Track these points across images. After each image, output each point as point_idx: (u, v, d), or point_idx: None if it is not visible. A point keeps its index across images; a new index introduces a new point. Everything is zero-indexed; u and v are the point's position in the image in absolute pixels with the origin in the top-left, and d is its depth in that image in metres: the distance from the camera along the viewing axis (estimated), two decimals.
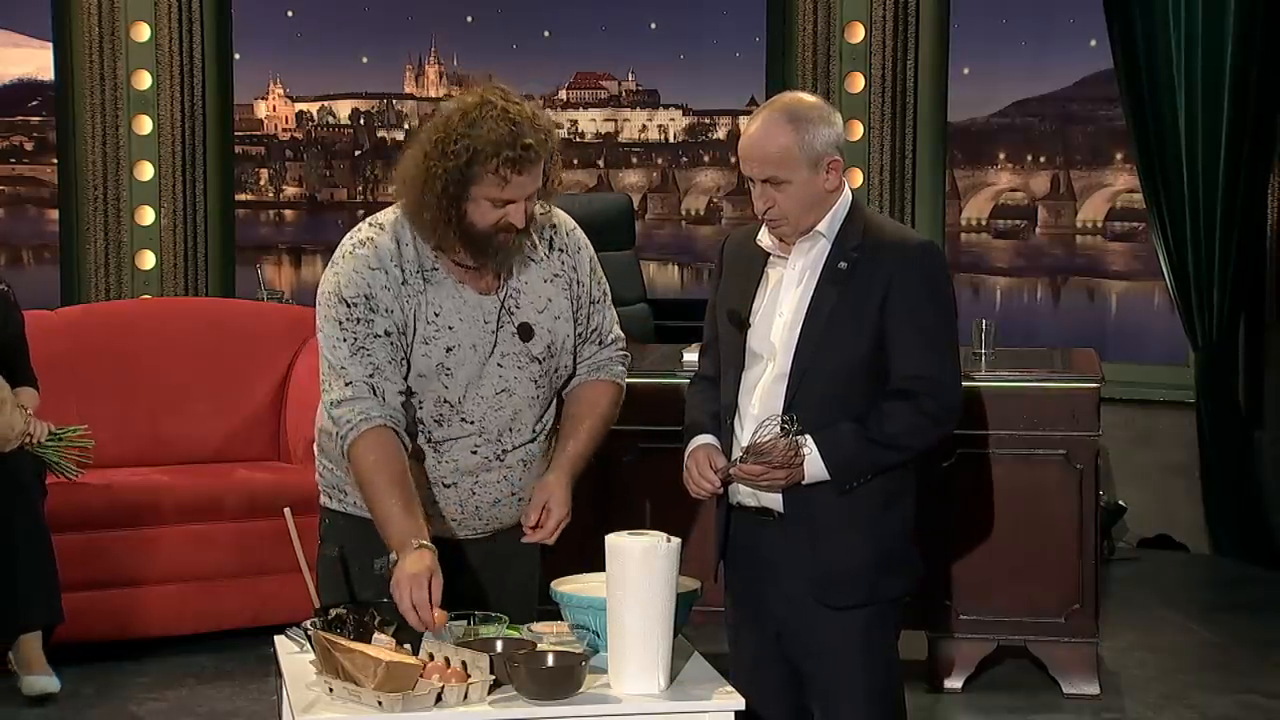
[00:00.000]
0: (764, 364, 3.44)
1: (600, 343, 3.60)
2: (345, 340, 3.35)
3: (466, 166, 3.28)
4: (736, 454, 3.45)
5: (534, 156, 3.30)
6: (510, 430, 3.46)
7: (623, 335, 3.67)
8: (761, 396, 3.44)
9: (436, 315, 3.39)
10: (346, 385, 3.34)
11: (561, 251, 3.53)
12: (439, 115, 3.37)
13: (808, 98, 3.49)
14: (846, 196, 3.47)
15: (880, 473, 3.42)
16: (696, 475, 3.46)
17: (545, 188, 3.39)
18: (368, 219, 3.48)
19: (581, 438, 3.51)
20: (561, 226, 3.55)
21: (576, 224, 3.60)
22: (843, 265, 3.41)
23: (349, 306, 3.35)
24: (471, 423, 3.44)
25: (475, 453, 3.45)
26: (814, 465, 3.38)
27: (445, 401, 3.42)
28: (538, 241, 3.49)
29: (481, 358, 3.42)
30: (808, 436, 3.36)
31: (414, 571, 3.15)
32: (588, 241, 3.60)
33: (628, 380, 3.66)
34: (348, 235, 3.45)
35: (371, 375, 3.34)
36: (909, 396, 3.39)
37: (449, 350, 3.40)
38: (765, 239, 3.48)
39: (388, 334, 3.36)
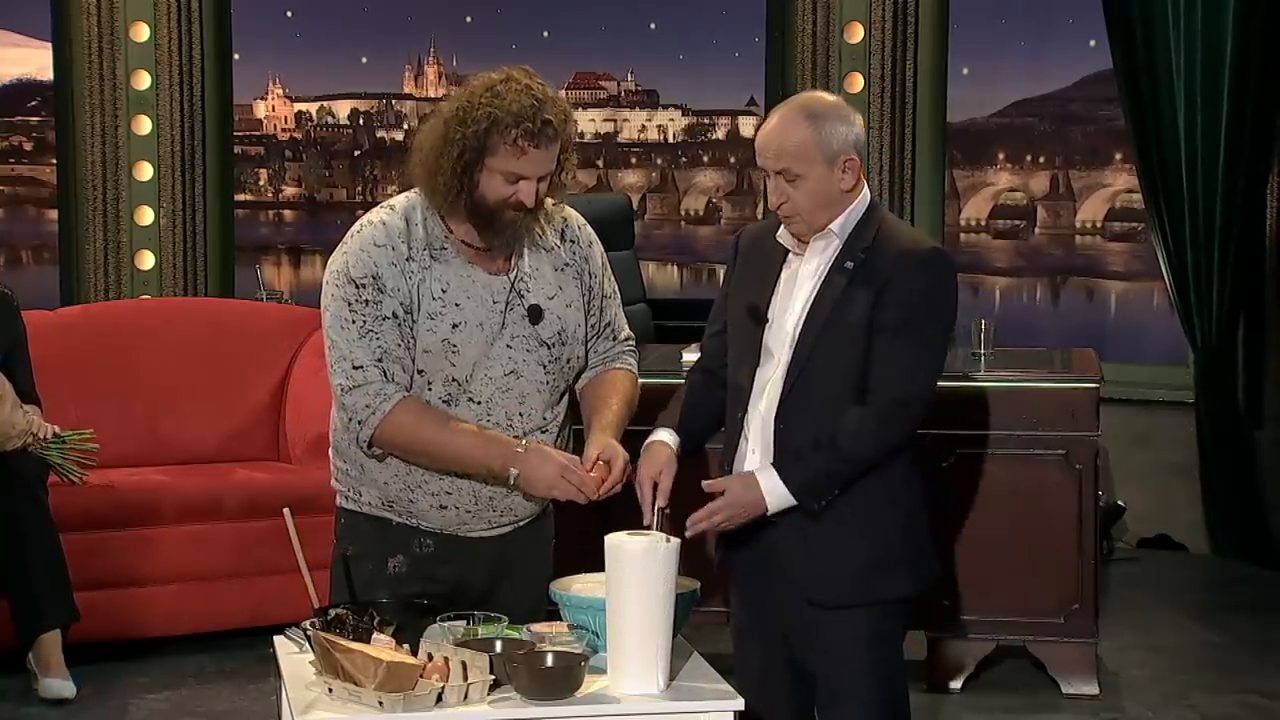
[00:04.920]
0: (775, 360, 3.44)
1: (614, 338, 3.63)
2: (354, 322, 3.37)
3: (485, 135, 3.31)
4: (744, 446, 3.45)
5: (552, 133, 3.33)
6: (520, 415, 3.46)
7: (633, 335, 3.70)
8: (768, 393, 3.44)
9: (443, 292, 3.40)
10: (355, 369, 3.37)
11: (573, 243, 3.56)
12: (462, 89, 3.42)
13: (828, 96, 3.50)
14: (864, 198, 3.47)
15: (846, 486, 3.37)
16: (642, 481, 3.45)
17: (559, 178, 3.42)
18: (383, 203, 3.51)
19: (615, 409, 3.51)
20: (572, 220, 3.59)
21: (586, 221, 3.62)
22: (849, 265, 3.41)
23: (358, 288, 3.37)
24: (479, 403, 3.44)
25: None
26: (774, 493, 3.36)
27: (453, 380, 3.42)
28: (548, 230, 3.52)
29: (489, 336, 3.43)
30: (766, 467, 3.35)
31: (549, 475, 3.30)
32: (598, 239, 3.63)
33: None
34: (361, 218, 3.48)
35: (380, 359, 3.37)
36: (863, 396, 3.36)
37: (454, 327, 3.40)
38: (785, 236, 3.48)
39: (395, 316, 3.38)
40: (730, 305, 3.57)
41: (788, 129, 3.39)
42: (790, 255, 3.49)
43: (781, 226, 3.47)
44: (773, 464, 3.37)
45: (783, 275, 3.48)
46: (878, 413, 3.35)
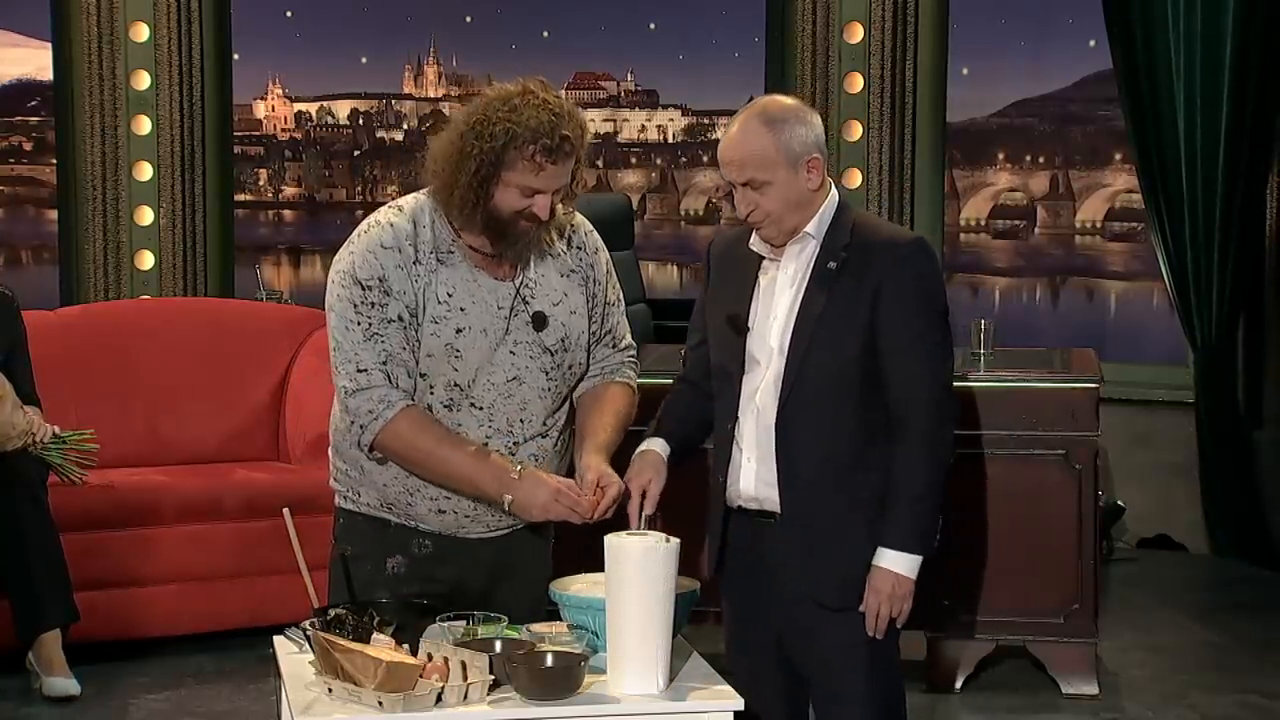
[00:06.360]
0: (762, 368, 3.45)
1: (614, 345, 3.62)
2: (359, 324, 3.37)
3: (502, 150, 3.30)
4: (738, 456, 3.45)
5: (569, 149, 3.33)
6: (521, 421, 3.46)
7: (634, 344, 3.69)
8: (760, 400, 3.44)
9: (449, 296, 3.40)
10: (360, 372, 3.37)
11: (579, 249, 3.56)
12: (478, 100, 3.39)
13: (784, 99, 3.49)
14: (833, 197, 3.47)
15: (941, 511, 3.41)
16: (632, 489, 3.45)
17: (570, 187, 3.41)
18: (391, 202, 3.50)
19: (608, 428, 3.50)
20: (580, 226, 3.59)
21: (593, 227, 3.62)
22: (831, 265, 3.41)
23: (364, 289, 3.37)
24: (481, 409, 3.44)
25: (487, 441, 3.45)
26: (899, 562, 3.38)
27: (455, 385, 3.42)
28: (555, 238, 3.52)
29: (493, 342, 3.43)
30: (878, 549, 3.38)
31: (542, 499, 3.32)
32: (604, 245, 3.63)
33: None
34: (368, 217, 3.47)
35: (385, 362, 3.37)
36: (904, 427, 3.37)
37: (458, 331, 3.40)
38: (758, 243, 3.48)
39: (400, 319, 3.37)
40: (709, 316, 3.57)
41: (747, 138, 3.39)
42: (765, 262, 3.49)
43: (753, 234, 3.47)
44: (882, 544, 3.38)
45: (760, 282, 3.49)
46: (927, 433, 3.37)
